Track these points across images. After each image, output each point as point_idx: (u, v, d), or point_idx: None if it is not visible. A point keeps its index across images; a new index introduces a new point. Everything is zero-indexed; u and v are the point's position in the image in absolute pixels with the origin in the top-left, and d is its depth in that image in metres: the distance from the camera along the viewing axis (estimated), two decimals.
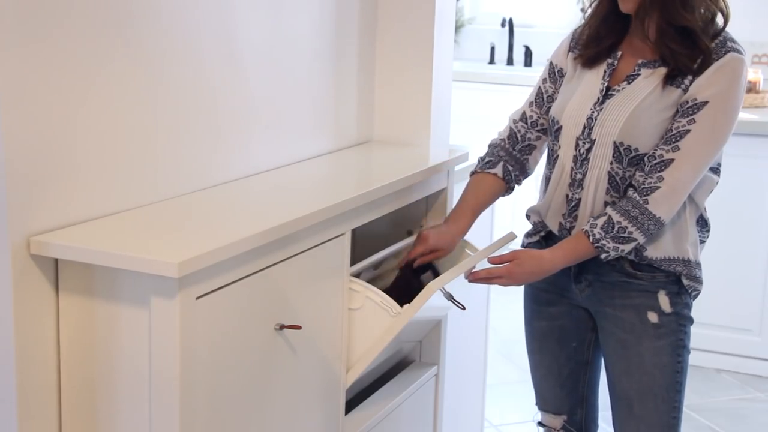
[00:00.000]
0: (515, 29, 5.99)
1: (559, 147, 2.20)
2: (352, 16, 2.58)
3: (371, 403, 2.33)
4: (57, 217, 1.76)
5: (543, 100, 2.29)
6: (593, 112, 2.13)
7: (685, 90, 2.07)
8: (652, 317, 2.16)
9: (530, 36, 5.96)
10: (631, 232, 2.08)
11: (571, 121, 2.17)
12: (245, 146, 2.23)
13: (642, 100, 2.08)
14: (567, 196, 2.19)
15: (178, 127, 2.01)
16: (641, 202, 2.07)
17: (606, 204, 2.13)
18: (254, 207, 2.05)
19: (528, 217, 2.33)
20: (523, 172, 2.33)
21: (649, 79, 2.10)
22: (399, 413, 2.44)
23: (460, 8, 6.05)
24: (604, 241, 2.09)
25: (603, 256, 2.11)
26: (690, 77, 2.06)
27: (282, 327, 1.90)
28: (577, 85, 2.20)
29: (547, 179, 2.26)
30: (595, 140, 2.12)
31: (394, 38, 2.68)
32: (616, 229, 2.08)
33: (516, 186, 2.36)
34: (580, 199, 2.16)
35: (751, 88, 4.47)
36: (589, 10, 2.21)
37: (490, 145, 2.35)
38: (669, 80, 2.08)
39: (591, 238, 2.09)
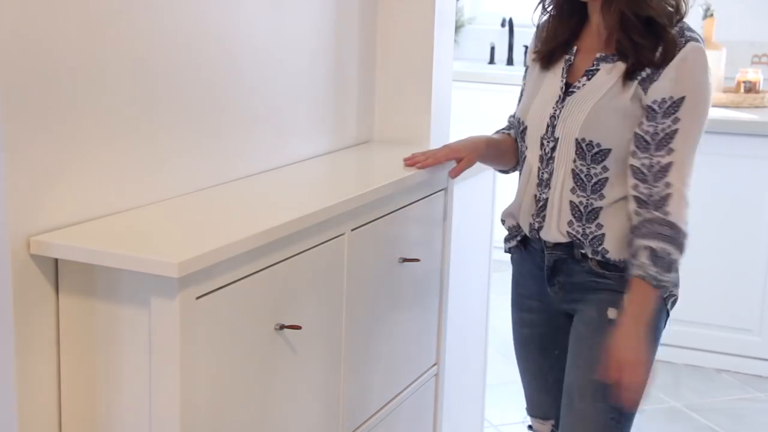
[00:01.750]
0: (515, 29, 5.99)
1: (526, 147, 2.19)
2: (352, 16, 2.58)
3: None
4: (57, 217, 1.76)
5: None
6: (555, 110, 2.11)
7: (643, 81, 2.02)
8: (612, 313, 2.09)
9: (530, 36, 5.95)
10: (669, 253, 2.01)
11: (535, 120, 2.15)
12: (245, 146, 2.23)
13: (603, 95, 2.05)
14: (535, 196, 2.17)
15: (177, 127, 2.01)
16: (664, 216, 2.01)
17: (572, 203, 2.10)
18: (254, 207, 2.05)
19: (503, 221, 2.31)
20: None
21: (611, 75, 2.06)
22: (399, 413, 2.44)
23: (460, 8, 6.05)
24: (662, 278, 2.01)
25: (665, 294, 2.05)
26: (648, 69, 2.02)
27: (282, 327, 1.90)
28: (539, 85, 2.18)
29: (517, 180, 2.26)
30: (558, 138, 2.10)
31: (394, 38, 2.68)
32: (665, 259, 2.01)
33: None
34: (547, 199, 2.14)
35: (751, 88, 4.47)
36: (548, 2, 2.19)
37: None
38: (628, 75, 2.04)
39: (653, 282, 2.01)
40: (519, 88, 2.32)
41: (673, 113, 2.02)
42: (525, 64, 2.31)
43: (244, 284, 1.80)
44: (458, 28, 5.98)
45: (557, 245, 2.16)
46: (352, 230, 2.13)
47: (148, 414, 1.71)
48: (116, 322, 1.73)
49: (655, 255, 2.01)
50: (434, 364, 2.63)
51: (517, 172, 2.32)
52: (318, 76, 2.47)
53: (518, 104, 2.27)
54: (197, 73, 2.05)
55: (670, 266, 2.02)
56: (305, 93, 2.43)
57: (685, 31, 2.04)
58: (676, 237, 2.01)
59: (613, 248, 2.10)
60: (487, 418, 3.33)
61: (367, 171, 2.54)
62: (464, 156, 2.30)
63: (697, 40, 2.04)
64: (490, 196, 3.01)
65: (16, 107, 1.65)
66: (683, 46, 2.02)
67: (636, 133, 2.04)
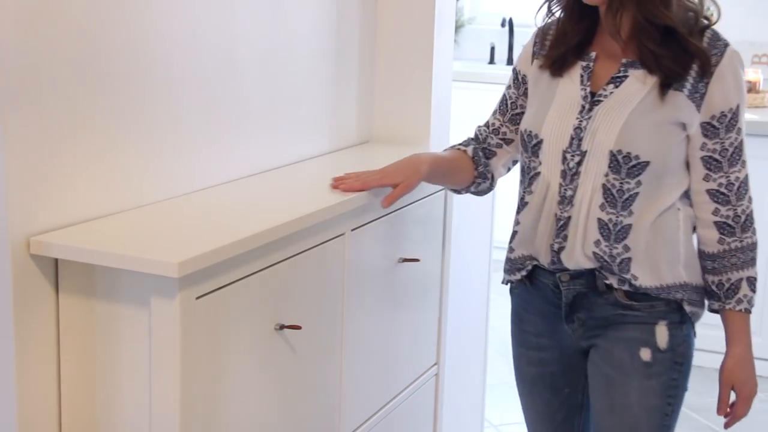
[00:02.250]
0: (515, 29, 5.99)
1: (540, 163, 1.99)
2: (352, 16, 2.58)
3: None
4: (57, 217, 1.76)
5: (507, 107, 2.13)
6: (581, 121, 1.94)
7: (692, 95, 1.90)
8: (645, 354, 1.97)
9: (530, 36, 5.96)
10: (757, 273, 2.00)
11: (554, 133, 1.97)
12: (245, 146, 2.23)
13: (638, 103, 1.91)
14: (556, 214, 1.97)
15: (177, 127, 2.01)
16: (751, 239, 1.97)
17: (600, 221, 1.93)
18: (254, 207, 2.05)
19: (512, 250, 2.09)
20: (488, 168, 2.16)
21: (644, 83, 1.92)
22: (399, 413, 2.44)
23: (460, 8, 6.05)
24: (753, 301, 1.99)
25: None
26: (689, 80, 1.90)
27: (282, 327, 1.90)
28: (551, 94, 2.00)
29: (521, 201, 2.05)
30: (586, 152, 1.93)
31: (394, 38, 2.68)
32: (756, 283, 1.99)
33: (482, 181, 2.16)
34: (569, 217, 1.96)
35: (751, 88, 4.47)
36: (555, 3, 2.02)
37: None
38: (665, 85, 1.90)
39: (752, 310, 1.99)
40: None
41: (735, 125, 1.95)
42: (516, 70, 2.14)
43: (244, 284, 1.80)
44: (458, 28, 5.98)
45: (575, 279, 1.99)
46: (352, 230, 2.13)
47: (148, 414, 1.71)
48: (116, 322, 1.72)
49: (753, 282, 1.98)
50: (434, 364, 2.63)
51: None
52: (318, 76, 2.47)
53: (502, 114, 2.14)
54: (197, 73, 2.05)
55: (755, 287, 2.00)
56: (305, 93, 2.43)
57: (721, 37, 1.93)
58: (755, 257, 1.99)
59: (642, 273, 1.95)
60: (487, 418, 3.33)
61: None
62: (401, 181, 2.05)
63: (729, 43, 1.94)
64: (490, 196, 3.01)
65: (16, 107, 1.65)
66: (724, 52, 1.91)
67: (702, 157, 1.94)
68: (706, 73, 1.89)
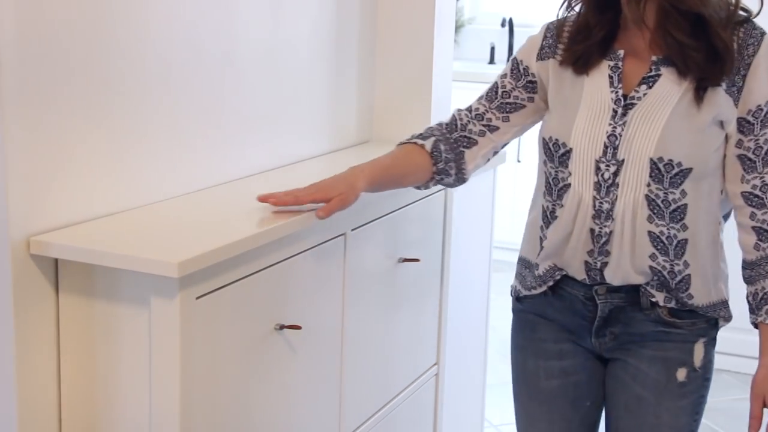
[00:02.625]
0: (515, 29, 5.99)
1: (570, 174, 1.84)
2: (352, 16, 2.58)
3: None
4: (57, 217, 1.76)
5: (497, 94, 1.98)
6: (614, 127, 1.80)
7: (729, 90, 1.77)
8: (681, 375, 1.87)
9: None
10: None
11: (585, 141, 1.82)
12: (245, 146, 2.23)
13: (676, 104, 1.77)
14: (592, 230, 1.83)
15: (177, 127, 2.01)
16: None
17: (651, 234, 1.80)
18: (254, 207, 2.05)
19: (536, 266, 1.93)
20: (458, 162, 1.98)
21: (679, 83, 1.78)
22: (399, 413, 2.44)
23: (460, 8, 6.05)
24: None
25: None
26: (726, 78, 1.77)
27: (282, 327, 1.90)
28: (577, 97, 1.85)
29: (550, 214, 1.89)
30: (623, 161, 1.79)
31: (394, 38, 2.68)
32: None
33: (444, 177, 1.98)
34: (611, 232, 1.81)
35: None
36: None
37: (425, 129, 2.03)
38: (700, 91, 1.77)
39: None
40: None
41: None
42: (517, 60, 1.97)
43: (244, 284, 1.80)
44: (458, 28, 5.98)
45: (614, 292, 1.86)
46: (352, 230, 2.13)
47: (148, 413, 1.71)
48: (116, 322, 1.72)
49: None
50: (434, 364, 2.63)
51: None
52: (318, 76, 2.47)
53: (489, 100, 1.99)
54: (197, 73, 2.05)
55: None
56: (305, 93, 2.43)
57: (757, 26, 1.79)
58: None
59: (699, 293, 1.85)
60: (487, 418, 3.33)
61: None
62: (334, 196, 1.88)
63: (766, 33, 1.80)
64: (490, 196, 3.01)
65: (16, 107, 1.65)
66: (761, 41, 1.77)
67: (738, 155, 1.81)
68: (742, 64, 1.76)
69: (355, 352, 2.20)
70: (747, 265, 1.86)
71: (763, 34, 1.78)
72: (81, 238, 1.73)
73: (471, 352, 3.07)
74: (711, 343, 1.91)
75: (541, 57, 1.94)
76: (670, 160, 1.77)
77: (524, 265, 1.99)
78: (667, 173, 1.77)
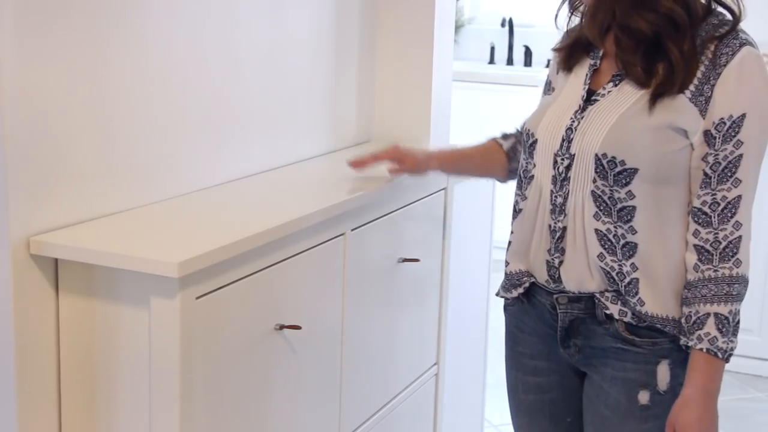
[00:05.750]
0: (515, 29, 5.99)
1: (534, 165, 1.83)
2: (352, 16, 2.58)
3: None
4: (57, 217, 1.76)
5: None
6: (573, 121, 1.78)
7: (697, 96, 1.71)
8: (643, 398, 1.79)
9: (530, 36, 5.95)
10: (737, 312, 1.72)
11: (548, 133, 1.81)
12: (245, 146, 2.23)
13: (631, 104, 1.74)
14: (550, 226, 1.81)
15: (177, 127, 2.02)
16: (731, 271, 1.71)
17: (598, 232, 1.76)
18: (254, 207, 2.05)
19: (506, 263, 1.93)
20: None
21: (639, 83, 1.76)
22: (399, 413, 2.44)
23: (460, 8, 6.05)
24: (730, 346, 1.71)
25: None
26: (694, 81, 1.71)
27: (282, 327, 1.90)
28: (558, 91, 1.87)
29: (516, 207, 1.89)
30: (574, 155, 1.76)
31: (394, 38, 2.68)
32: (733, 322, 1.71)
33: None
34: (565, 228, 1.79)
35: None
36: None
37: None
38: (655, 97, 1.72)
39: (721, 354, 1.70)
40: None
41: (734, 136, 1.69)
42: (548, 76, 2.01)
43: (244, 284, 1.80)
44: (458, 28, 5.98)
45: (574, 302, 1.82)
46: (352, 230, 2.13)
47: (148, 414, 1.71)
48: (116, 322, 1.73)
49: (723, 322, 1.71)
50: (434, 364, 2.63)
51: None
52: (318, 76, 2.47)
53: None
54: (197, 73, 2.05)
55: (737, 326, 1.73)
56: (305, 93, 2.43)
57: (740, 33, 1.72)
58: (742, 291, 1.73)
59: (650, 300, 1.76)
60: (487, 418, 3.33)
61: (367, 171, 2.53)
62: (407, 161, 2.17)
63: (752, 44, 1.72)
64: (490, 196, 3.01)
65: (17, 108, 1.65)
66: (737, 52, 1.69)
67: (696, 168, 1.73)
68: (713, 74, 1.70)
69: (355, 352, 2.20)
70: (686, 285, 1.76)
71: (742, 44, 1.71)
72: (81, 238, 1.73)
73: (471, 352, 3.07)
74: (680, 366, 1.78)
75: (557, 69, 1.94)
76: (614, 157, 1.72)
77: (504, 263, 1.98)
78: (610, 170, 1.73)
